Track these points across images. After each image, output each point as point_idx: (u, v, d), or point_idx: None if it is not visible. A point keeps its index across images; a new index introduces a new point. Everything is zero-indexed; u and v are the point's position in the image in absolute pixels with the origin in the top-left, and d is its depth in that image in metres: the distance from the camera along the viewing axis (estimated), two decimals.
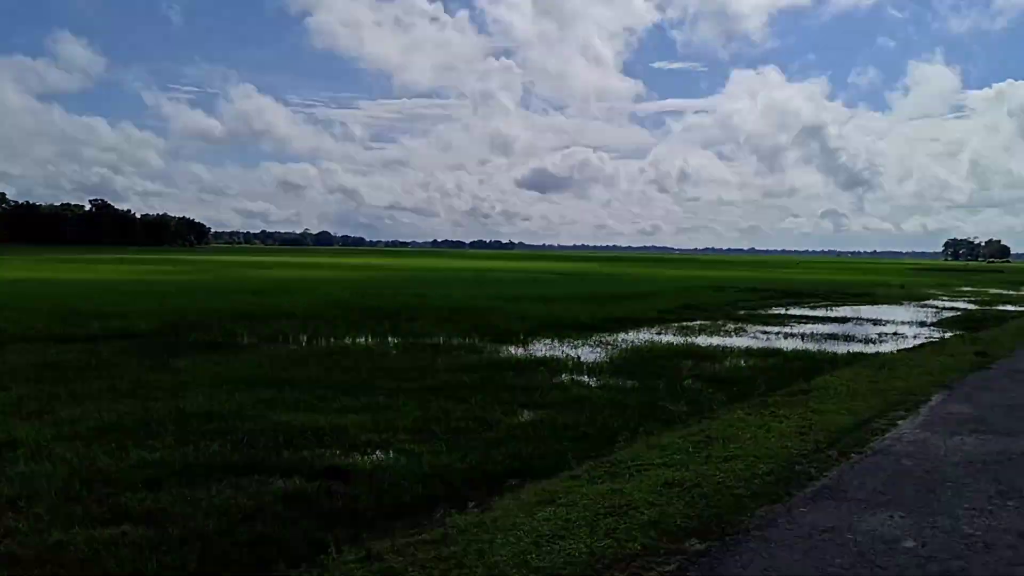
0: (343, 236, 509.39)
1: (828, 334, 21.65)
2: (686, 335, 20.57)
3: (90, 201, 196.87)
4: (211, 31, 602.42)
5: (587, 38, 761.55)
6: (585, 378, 13.25)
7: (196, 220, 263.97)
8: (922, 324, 25.88)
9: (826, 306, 33.26)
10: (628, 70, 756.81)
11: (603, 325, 21.87)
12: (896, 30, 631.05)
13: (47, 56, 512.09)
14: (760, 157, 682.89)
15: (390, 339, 17.75)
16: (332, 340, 17.30)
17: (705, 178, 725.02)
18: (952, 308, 33.49)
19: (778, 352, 16.94)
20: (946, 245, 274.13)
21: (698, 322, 24.16)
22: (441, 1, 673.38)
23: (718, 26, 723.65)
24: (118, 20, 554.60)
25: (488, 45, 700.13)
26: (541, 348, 17.30)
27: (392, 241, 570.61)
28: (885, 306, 34.48)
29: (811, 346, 18.75)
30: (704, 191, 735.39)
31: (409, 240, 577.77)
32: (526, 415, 10.10)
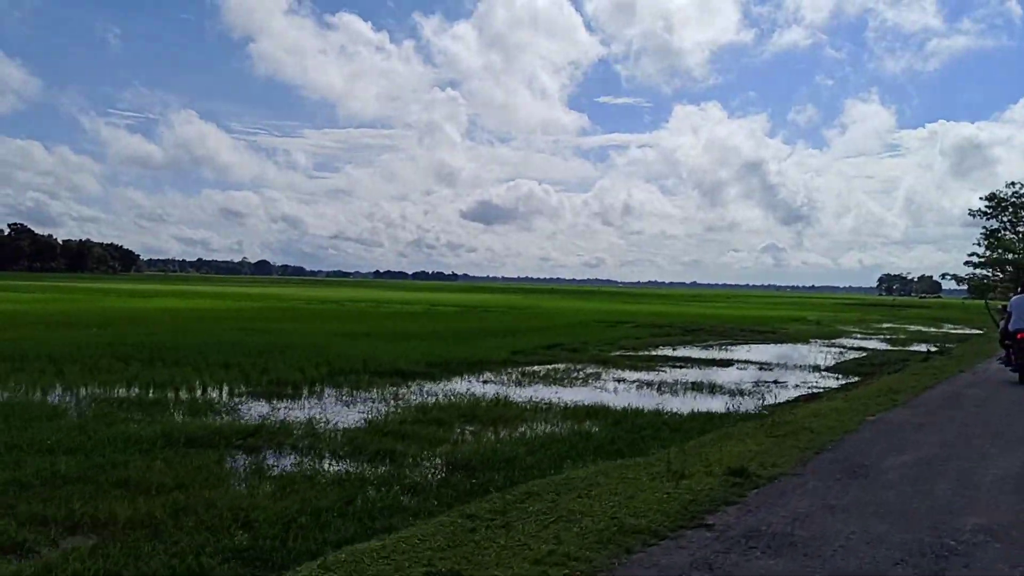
0: (283, 265, 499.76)
1: (695, 383, 18.03)
2: (514, 384, 16.82)
3: (8, 225, 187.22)
4: (150, 55, 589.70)
5: (532, 71, 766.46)
6: (296, 459, 9.33)
7: (126, 247, 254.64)
8: (814, 369, 22.54)
9: (721, 345, 29.91)
10: (573, 103, 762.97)
11: (427, 371, 17.99)
12: (834, 69, 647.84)
13: None
14: (702, 192, 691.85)
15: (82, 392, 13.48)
16: None
17: (648, 212, 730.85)
18: (859, 348, 30.41)
19: (606, 412, 13.14)
20: (880, 280, 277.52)
21: (551, 366, 20.41)
22: (387, 31, 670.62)
23: (661, 61, 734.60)
24: (53, 42, 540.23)
25: (434, 75, 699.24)
26: (299, 406, 13.30)
27: (335, 271, 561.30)
28: (787, 345, 31.31)
29: (661, 401, 15.04)
30: (647, 224, 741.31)
31: (352, 270, 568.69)
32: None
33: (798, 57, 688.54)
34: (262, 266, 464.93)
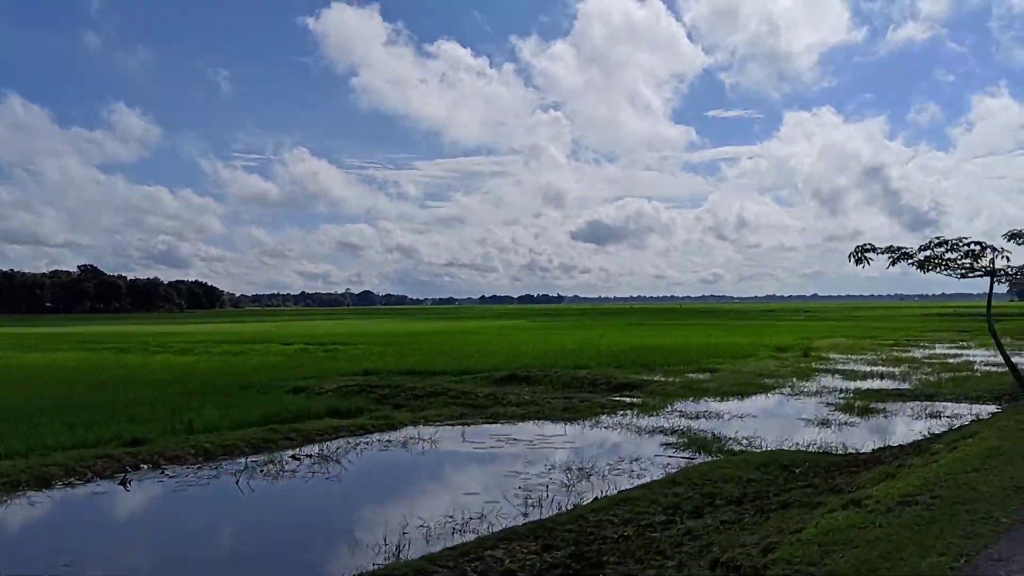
0: (387, 295, 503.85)
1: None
2: None
3: (78, 267, 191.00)
4: (259, 95, 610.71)
5: (634, 86, 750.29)
6: None
7: (208, 284, 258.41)
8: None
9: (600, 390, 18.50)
10: (678, 117, 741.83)
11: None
12: (956, 64, 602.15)
13: (103, 127, 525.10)
14: (820, 201, 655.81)
15: None
16: None
17: (764, 224, 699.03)
18: (835, 403, 18.44)
19: None
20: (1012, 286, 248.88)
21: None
22: (486, 55, 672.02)
23: (769, 67, 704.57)
24: (168, 89, 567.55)
25: (535, 97, 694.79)
26: None
27: (446, 299, 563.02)
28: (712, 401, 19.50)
29: None
30: (764, 237, 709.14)
31: (464, 296, 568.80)
32: None
33: (916, 54, 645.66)
34: (365, 297, 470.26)
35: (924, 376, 25.98)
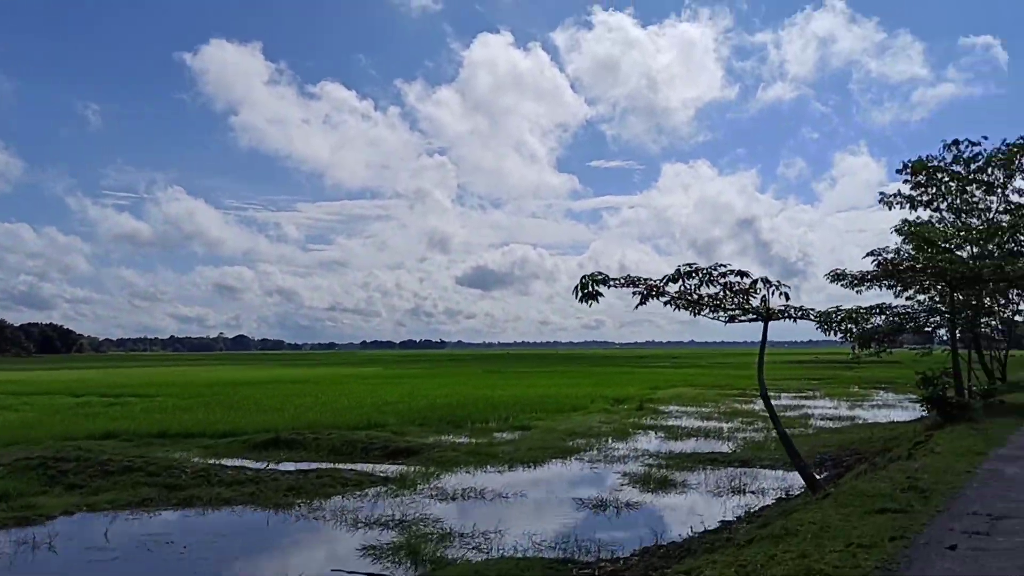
0: (263, 339, 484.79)
1: None
2: None
3: None
4: (132, 131, 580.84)
5: (520, 134, 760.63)
6: None
7: (64, 327, 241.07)
8: None
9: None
10: (563, 166, 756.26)
11: None
12: (821, 123, 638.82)
13: None
14: (697, 250, 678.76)
15: None
16: None
17: (644, 272, 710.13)
18: (635, 472, 14.80)
19: None
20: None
21: None
22: (371, 99, 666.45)
23: (648, 121, 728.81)
24: (32, 121, 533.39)
25: (421, 142, 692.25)
26: None
27: (327, 343, 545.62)
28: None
29: None
30: None
31: (347, 341, 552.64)
32: None
33: (784, 112, 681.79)
34: (239, 341, 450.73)
35: (752, 434, 23.25)
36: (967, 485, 8.40)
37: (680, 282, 9.31)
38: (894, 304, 21.32)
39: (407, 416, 27.00)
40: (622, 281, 9.52)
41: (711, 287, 9.52)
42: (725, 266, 9.28)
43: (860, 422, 26.67)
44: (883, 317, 20.94)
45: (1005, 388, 29.91)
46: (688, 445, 21.15)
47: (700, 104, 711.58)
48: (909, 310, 21.58)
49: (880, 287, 21.34)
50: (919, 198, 28.25)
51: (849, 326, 9.98)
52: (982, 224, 24.44)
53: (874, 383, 48.07)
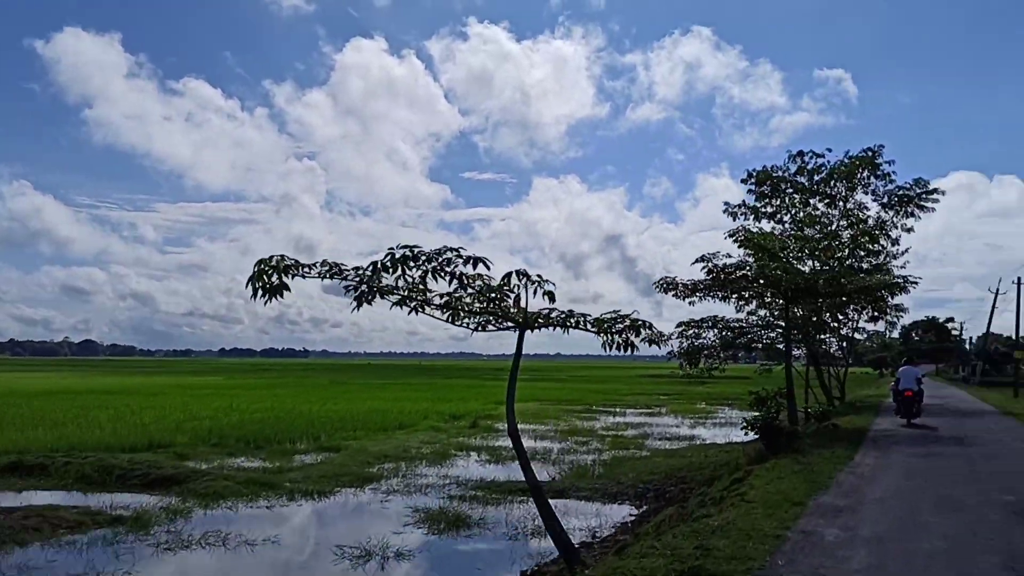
0: (112, 345, 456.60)
1: None
2: None
3: None
4: None
5: (392, 142, 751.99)
6: None
7: None
8: None
9: None
10: (435, 175, 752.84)
11: None
12: (686, 145, 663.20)
13: None
14: (566, 264, 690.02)
15: None
16: None
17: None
18: (429, 507, 12.06)
19: None
20: None
21: None
22: (238, 98, 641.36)
23: (520, 134, 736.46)
24: None
25: (289, 145, 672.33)
26: None
27: (184, 350, 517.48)
28: None
29: None
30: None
31: (206, 348, 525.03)
32: None
33: (652, 132, 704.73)
34: (87, 346, 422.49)
35: (583, 456, 21.31)
36: (771, 562, 6.35)
37: (397, 271, 6.85)
38: (728, 317, 19.88)
39: (203, 435, 23.66)
40: (321, 270, 6.98)
41: (440, 280, 7.14)
42: (456, 251, 6.86)
43: (699, 442, 25.31)
44: (715, 331, 19.48)
45: (842, 409, 29.40)
46: (507, 471, 18.92)
47: (572, 120, 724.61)
48: (743, 324, 20.19)
49: (726, 300, 19.77)
50: (763, 209, 27.44)
51: (629, 336, 7.73)
52: (821, 235, 23.53)
53: (722, 399, 47.71)
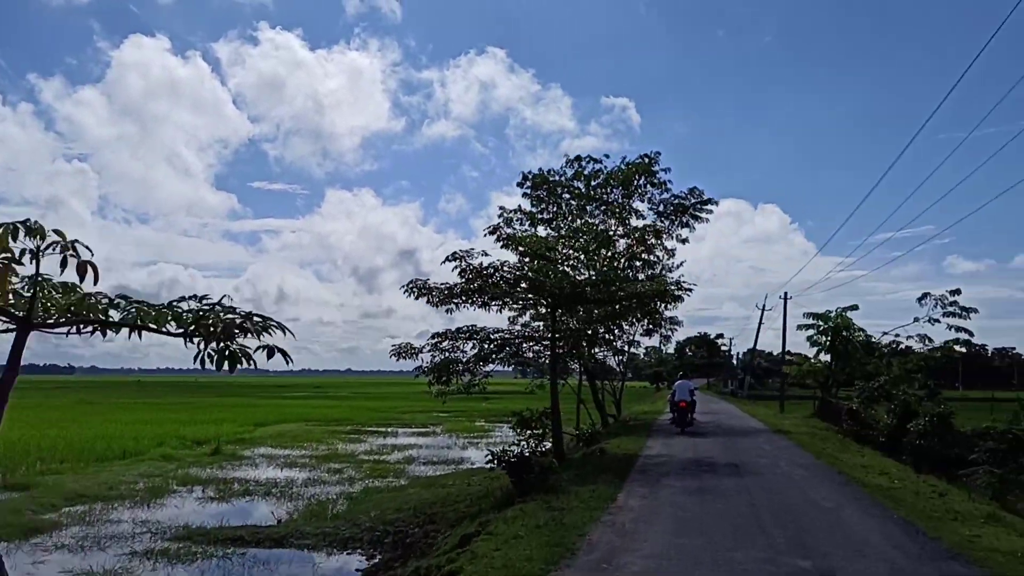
0: None
1: None
2: None
3: None
4: None
5: (174, 146, 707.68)
6: None
7: None
8: None
9: None
10: (221, 183, 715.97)
11: None
12: (480, 162, 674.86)
13: None
14: (358, 278, 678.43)
15: None
16: None
17: (304, 298, 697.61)
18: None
19: None
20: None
21: None
22: None
23: (313, 144, 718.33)
24: None
25: (57, 145, 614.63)
26: None
27: None
28: None
29: None
30: (303, 311, 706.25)
31: None
32: None
33: (447, 149, 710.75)
34: None
35: (327, 489, 18.58)
36: None
37: None
38: (489, 327, 17.89)
39: None
40: None
41: None
42: None
43: (466, 467, 23.26)
44: (472, 342, 17.43)
45: (615, 428, 28.51)
46: (229, 511, 15.81)
47: (367, 133, 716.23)
48: (505, 334, 18.29)
49: (486, 307, 17.69)
50: (540, 215, 26.07)
51: (232, 344, 5.19)
52: (596, 243, 22.32)
53: (502, 416, 46.35)
